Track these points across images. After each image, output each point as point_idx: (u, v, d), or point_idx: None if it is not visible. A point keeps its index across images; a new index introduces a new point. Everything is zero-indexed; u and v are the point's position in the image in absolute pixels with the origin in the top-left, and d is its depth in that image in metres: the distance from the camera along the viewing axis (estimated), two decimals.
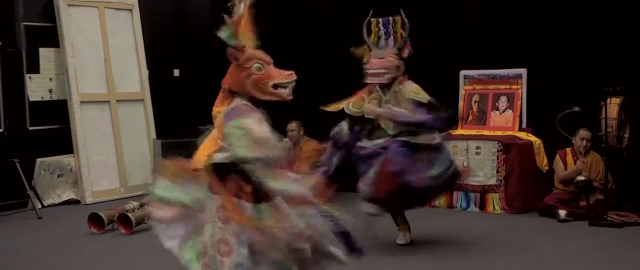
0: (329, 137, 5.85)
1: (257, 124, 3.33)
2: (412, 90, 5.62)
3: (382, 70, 5.65)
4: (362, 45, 5.93)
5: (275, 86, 3.51)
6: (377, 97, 5.70)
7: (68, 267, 5.56)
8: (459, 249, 5.83)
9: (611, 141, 6.65)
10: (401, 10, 5.85)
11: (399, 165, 5.31)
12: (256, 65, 3.50)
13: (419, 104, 5.54)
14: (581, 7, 7.28)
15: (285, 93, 3.53)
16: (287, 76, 3.57)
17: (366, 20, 5.92)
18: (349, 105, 5.78)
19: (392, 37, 5.86)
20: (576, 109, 6.85)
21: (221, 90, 3.61)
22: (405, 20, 5.81)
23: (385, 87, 5.68)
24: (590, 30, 7.20)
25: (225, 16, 3.56)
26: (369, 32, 5.91)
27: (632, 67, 6.94)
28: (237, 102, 3.47)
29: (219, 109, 3.51)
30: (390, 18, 5.88)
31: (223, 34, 3.57)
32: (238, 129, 3.30)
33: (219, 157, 3.34)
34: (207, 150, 3.39)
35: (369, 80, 5.72)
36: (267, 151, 3.26)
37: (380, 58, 5.70)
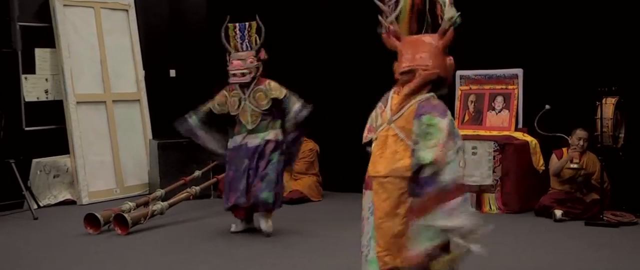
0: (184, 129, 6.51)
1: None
2: (273, 88, 6.35)
3: (244, 71, 6.32)
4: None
5: None
6: (237, 95, 6.38)
7: (64, 267, 5.55)
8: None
9: (607, 141, 6.66)
10: (257, 16, 6.48)
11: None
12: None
13: (277, 101, 6.34)
14: (577, 8, 7.29)
15: None
16: None
17: (223, 26, 6.50)
18: (215, 104, 6.50)
19: (247, 41, 6.47)
20: (548, 107, 6.97)
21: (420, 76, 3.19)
22: (261, 25, 6.44)
23: (245, 86, 6.35)
24: (586, 31, 7.21)
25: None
26: (227, 37, 6.48)
27: (628, 67, 6.95)
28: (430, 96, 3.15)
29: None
30: (247, 23, 6.49)
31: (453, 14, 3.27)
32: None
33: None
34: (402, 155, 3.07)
35: (232, 80, 6.38)
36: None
37: (241, 59, 6.35)
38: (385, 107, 3.24)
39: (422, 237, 3.06)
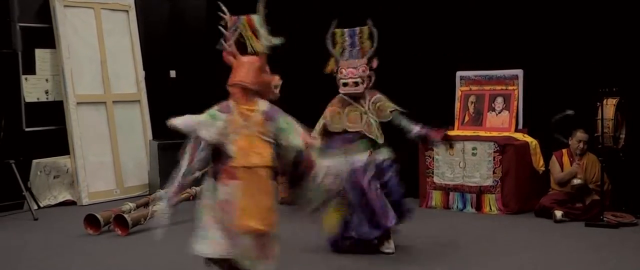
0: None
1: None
2: (387, 100, 5.72)
3: (358, 80, 5.67)
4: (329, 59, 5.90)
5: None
6: (357, 109, 5.69)
7: (64, 268, 5.55)
8: (455, 250, 5.84)
9: (607, 142, 6.66)
10: (369, 21, 5.79)
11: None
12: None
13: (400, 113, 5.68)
14: (577, 8, 7.29)
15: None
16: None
17: (330, 31, 5.87)
18: (329, 121, 5.77)
19: (358, 48, 5.80)
20: (570, 112, 6.86)
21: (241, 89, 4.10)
22: (374, 30, 5.76)
23: (359, 97, 5.71)
24: (587, 31, 7.21)
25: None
26: (334, 43, 5.86)
27: (628, 68, 6.95)
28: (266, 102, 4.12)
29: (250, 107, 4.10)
30: (357, 29, 5.82)
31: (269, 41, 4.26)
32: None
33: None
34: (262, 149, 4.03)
35: (344, 90, 5.73)
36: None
37: (353, 68, 5.70)
38: (231, 114, 4.05)
39: (312, 198, 4.21)
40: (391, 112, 5.66)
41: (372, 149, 5.63)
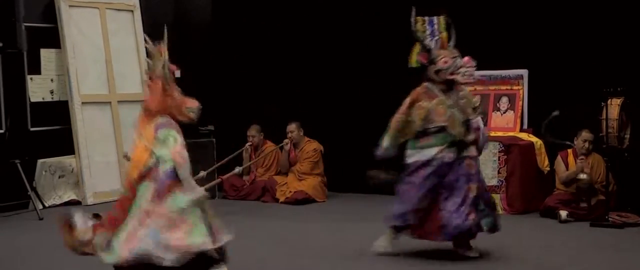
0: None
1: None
2: (471, 95, 5.42)
3: (474, 70, 5.29)
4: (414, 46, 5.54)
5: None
6: (442, 103, 5.28)
7: (69, 267, 5.56)
8: None
9: (612, 142, 6.64)
10: (445, 11, 5.54)
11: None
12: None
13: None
14: (582, 8, 7.28)
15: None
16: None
17: (412, 18, 5.47)
18: (417, 120, 5.31)
19: (437, 37, 5.46)
20: (556, 113, 6.87)
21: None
22: (450, 21, 5.50)
23: (448, 90, 5.31)
24: (591, 31, 7.20)
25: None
26: (417, 32, 5.47)
27: (633, 67, 6.94)
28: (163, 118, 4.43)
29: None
30: (435, 18, 5.53)
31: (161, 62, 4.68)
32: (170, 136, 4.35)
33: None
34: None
35: (463, 80, 5.28)
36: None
37: (456, 57, 5.28)
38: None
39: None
40: (474, 109, 5.36)
41: (449, 145, 5.27)
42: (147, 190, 4.22)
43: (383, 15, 8.27)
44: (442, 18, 5.52)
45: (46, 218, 7.39)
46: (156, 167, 4.23)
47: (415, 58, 5.49)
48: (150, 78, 4.60)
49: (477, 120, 5.38)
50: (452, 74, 5.27)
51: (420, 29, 5.46)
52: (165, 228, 4.14)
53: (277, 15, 9.08)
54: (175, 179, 4.21)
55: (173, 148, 4.27)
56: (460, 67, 5.26)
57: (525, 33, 7.55)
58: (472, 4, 8.01)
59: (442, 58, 5.30)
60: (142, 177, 4.25)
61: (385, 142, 5.47)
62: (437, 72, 5.32)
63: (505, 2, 7.75)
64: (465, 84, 5.37)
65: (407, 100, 5.40)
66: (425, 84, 5.42)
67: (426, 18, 5.49)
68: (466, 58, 5.30)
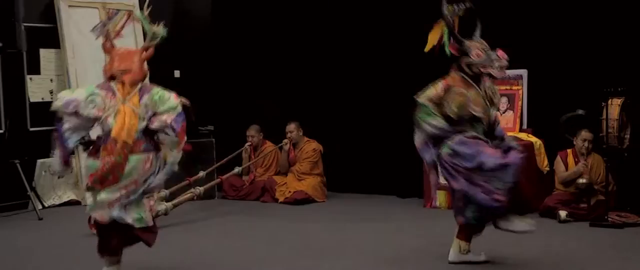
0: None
1: None
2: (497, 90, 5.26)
3: (507, 64, 5.12)
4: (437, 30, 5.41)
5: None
6: (477, 93, 5.11)
7: (69, 267, 5.56)
8: None
9: (612, 142, 6.64)
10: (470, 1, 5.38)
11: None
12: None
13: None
14: (582, 8, 7.28)
15: None
16: None
17: (445, 8, 5.27)
18: (453, 109, 5.07)
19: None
20: (581, 112, 6.83)
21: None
22: (473, 7, 5.35)
23: (478, 81, 5.15)
24: (591, 31, 7.20)
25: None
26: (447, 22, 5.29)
27: (633, 67, 6.94)
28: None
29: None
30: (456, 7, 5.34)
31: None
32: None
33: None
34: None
35: (499, 74, 5.14)
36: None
37: (485, 49, 5.15)
38: (112, 94, 4.66)
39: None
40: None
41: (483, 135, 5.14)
42: (139, 163, 4.57)
43: (383, 16, 8.27)
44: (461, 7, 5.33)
45: (46, 218, 7.39)
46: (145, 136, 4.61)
47: (446, 48, 5.34)
48: (145, 49, 5.03)
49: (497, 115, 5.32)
50: (485, 67, 5.12)
51: (450, 11, 5.28)
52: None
53: (277, 15, 9.09)
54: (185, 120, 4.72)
55: (171, 95, 4.74)
56: (494, 60, 5.12)
57: (524, 33, 7.54)
58: (472, 4, 8.01)
59: (474, 50, 5.15)
60: (134, 146, 4.56)
61: (435, 120, 5.09)
62: (469, 64, 5.17)
63: (505, 2, 7.75)
64: (500, 78, 5.27)
65: (442, 84, 5.17)
66: (458, 72, 5.22)
67: (454, 6, 5.30)
68: (500, 51, 5.15)
